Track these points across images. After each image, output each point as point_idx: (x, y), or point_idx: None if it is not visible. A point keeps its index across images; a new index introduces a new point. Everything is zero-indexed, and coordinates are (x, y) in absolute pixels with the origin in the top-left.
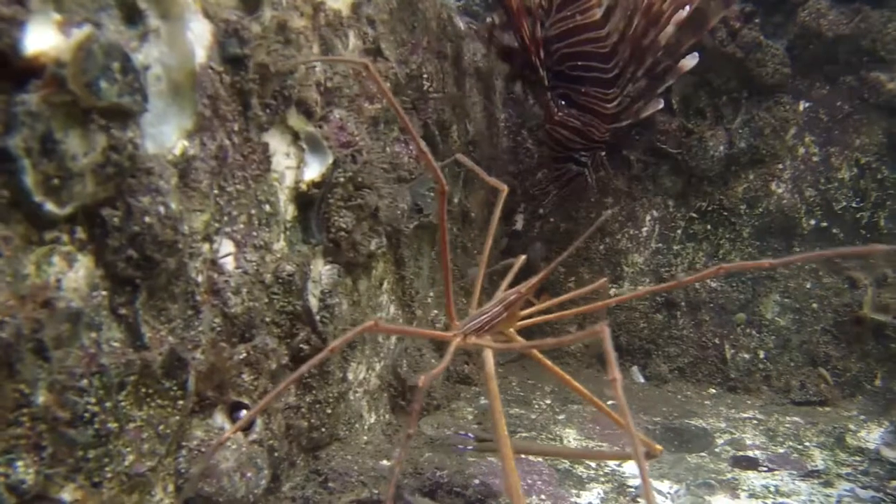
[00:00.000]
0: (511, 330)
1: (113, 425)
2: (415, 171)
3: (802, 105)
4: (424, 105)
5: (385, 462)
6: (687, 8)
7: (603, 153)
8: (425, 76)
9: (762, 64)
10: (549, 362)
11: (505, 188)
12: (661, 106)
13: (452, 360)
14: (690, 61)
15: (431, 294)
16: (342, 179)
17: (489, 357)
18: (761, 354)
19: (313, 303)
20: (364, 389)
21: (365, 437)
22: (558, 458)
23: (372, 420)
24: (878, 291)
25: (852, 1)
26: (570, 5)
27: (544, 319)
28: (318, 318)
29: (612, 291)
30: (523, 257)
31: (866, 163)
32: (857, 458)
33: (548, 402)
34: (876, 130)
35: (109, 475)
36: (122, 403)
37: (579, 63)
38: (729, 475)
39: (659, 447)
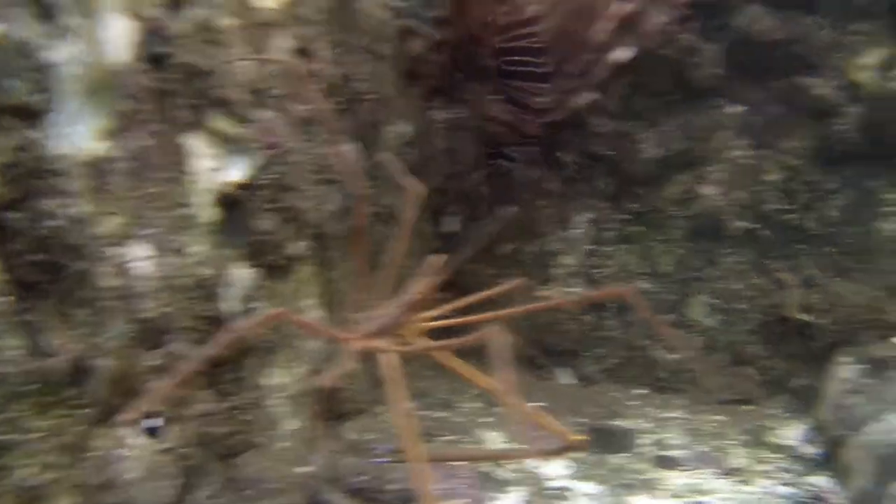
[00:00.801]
0: (416, 332)
1: (11, 437)
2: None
3: (735, 109)
4: (359, 106)
5: (305, 469)
6: (624, 4)
7: (536, 149)
8: (360, 77)
9: (697, 67)
10: (452, 363)
11: (421, 189)
12: (594, 97)
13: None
14: (622, 54)
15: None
16: (267, 181)
17: (391, 360)
18: (688, 354)
19: (234, 306)
20: (285, 395)
21: (286, 444)
22: (475, 461)
23: (294, 426)
24: (803, 292)
25: (786, 8)
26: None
27: (454, 323)
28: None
29: (547, 293)
30: (444, 257)
31: (795, 166)
32: (778, 456)
33: (474, 404)
34: (805, 134)
35: (6, 489)
36: (23, 413)
37: (515, 58)
38: (650, 475)
39: (581, 437)
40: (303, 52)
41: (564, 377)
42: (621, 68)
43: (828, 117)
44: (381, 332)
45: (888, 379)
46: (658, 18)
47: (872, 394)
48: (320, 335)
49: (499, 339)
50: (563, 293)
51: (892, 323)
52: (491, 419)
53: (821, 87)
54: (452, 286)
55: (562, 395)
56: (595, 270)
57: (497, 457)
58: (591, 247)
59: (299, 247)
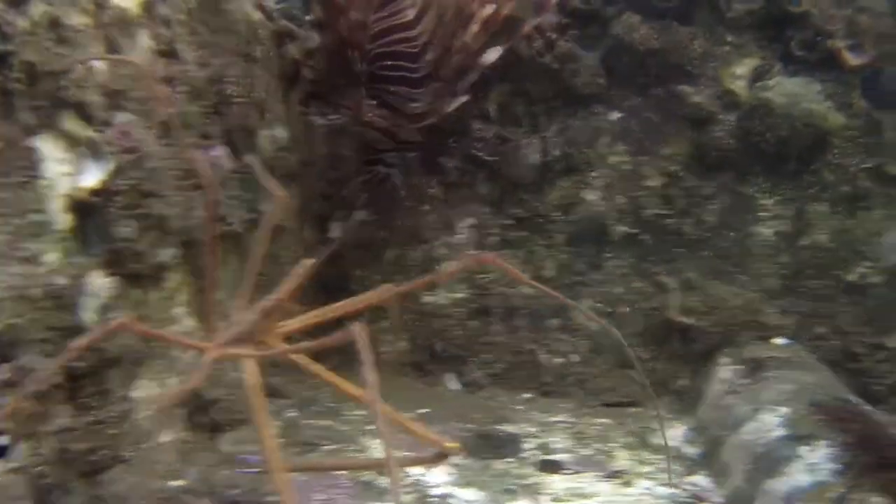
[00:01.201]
0: (278, 339)
1: None
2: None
3: (615, 115)
4: (228, 110)
5: (177, 482)
6: (492, 6)
7: (412, 154)
8: (229, 80)
9: (576, 74)
10: (314, 367)
11: (284, 195)
12: (465, 100)
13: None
14: (492, 55)
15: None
16: (125, 187)
17: (251, 368)
18: (574, 358)
19: (90, 317)
20: (156, 407)
21: (157, 457)
22: (343, 470)
23: (166, 439)
24: (683, 295)
25: (662, 17)
26: (386, 6)
27: (308, 325)
28: None
29: (426, 299)
30: (310, 261)
31: (674, 172)
32: (660, 457)
33: (360, 412)
34: (683, 141)
35: None
36: None
37: (390, 63)
38: (533, 479)
39: (454, 444)
40: (164, 53)
41: (452, 383)
42: (499, 72)
43: (704, 125)
44: (240, 340)
45: (764, 379)
46: (529, 21)
47: (749, 394)
48: (173, 345)
49: (361, 336)
50: (449, 298)
51: (768, 324)
52: (374, 427)
53: (697, 95)
54: (337, 292)
55: (448, 401)
56: (479, 276)
57: (368, 466)
58: (474, 252)
59: (166, 254)
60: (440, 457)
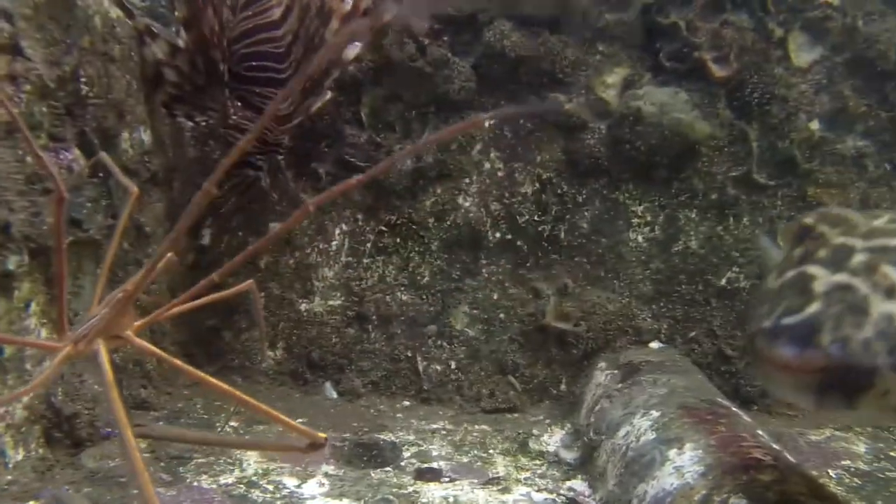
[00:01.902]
0: (129, 332)
1: None
2: (66, 181)
3: (488, 122)
4: (82, 111)
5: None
6: (350, 1)
7: (280, 157)
8: (83, 79)
9: (449, 80)
10: (178, 362)
11: (135, 190)
12: (330, 97)
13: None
14: (352, 51)
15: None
16: None
17: (104, 361)
18: (452, 365)
19: None
20: (6, 423)
21: (9, 477)
22: (206, 445)
23: (19, 457)
24: (559, 301)
25: (533, 26)
26: (251, 5)
27: (162, 316)
28: None
29: (302, 307)
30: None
31: (547, 178)
32: (537, 462)
33: (232, 423)
34: (555, 148)
35: None
36: None
37: (255, 63)
38: (410, 488)
39: (324, 435)
40: (5, 50)
41: (329, 391)
42: (371, 76)
43: (576, 132)
44: (93, 336)
45: (638, 383)
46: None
47: (623, 398)
48: (26, 346)
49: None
50: (324, 305)
51: (643, 329)
52: (247, 438)
53: (569, 102)
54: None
55: (326, 410)
56: (354, 283)
57: (235, 445)
58: (348, 259)
59: (12, 262)
60: (310, 447)
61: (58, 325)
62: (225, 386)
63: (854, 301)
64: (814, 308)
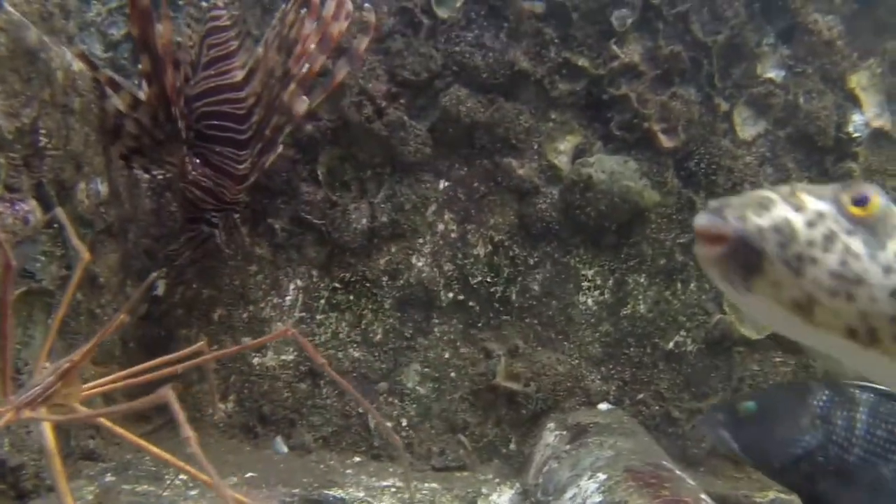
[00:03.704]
0: (77, 400)
1: None
2: (20, 232)
3: (442, 184)
4: (39, 162)
5: None
6: (306, 66)
7: (237, 215)
8: (42, 131)
9: (405, 143)
10: (119, 429)
11: (86, 255)
12: (280, 151)
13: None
14: (300, 106)
15: (47, 364)
16: None
17: (47, 431)
18: (403, 422)
19: None
20: None
21: None
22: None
23: None
24: (510, 361)
25: (488, 92)
26: (214, 64)
27: (111, 388)
28: None
29: (255, 361)
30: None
31: (499, 241)
32: None
33: (183, 476)
34: (508, 211)
35: None
36: None
37: (216, 122)
38: None
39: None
40: None
41: (280, 446)
42: (328, 136)
43: (529, 196)
44: (36, 401)
45: (586, 445)
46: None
47: (571, 460)
48: None
49: (170, 398)
50: (277, 360)
51: (592, 390)
52: (195, 492)
53: (522, 168)
54: (160, 353)
55: (276, 465)
56: (307, 338)
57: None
58: (302, 314)
59: None
60: None
61: (2, 388)
62: (167, 455)
63: (765, 202)
64: (735, 198)
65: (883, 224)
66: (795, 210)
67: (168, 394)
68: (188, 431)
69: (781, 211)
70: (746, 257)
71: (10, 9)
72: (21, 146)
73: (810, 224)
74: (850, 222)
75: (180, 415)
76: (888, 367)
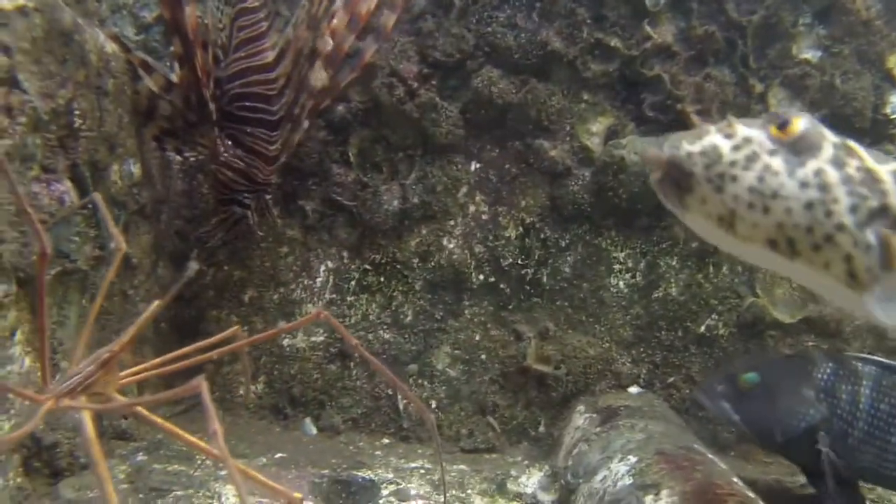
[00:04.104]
0: (115, 388)
1: None
2: (57, 213)
3: (473, 166)
4: (74, 143)
5: None
6: (329, 42)
7: (268, 196)
8: (76, 112)
9: (437, 124)
10: (156, 418)
11: (123, 247)
12: (306, 127)
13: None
14: (319, 78)
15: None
16: None
17: (86, 420)
18: (433, 404)
19: None
20: None
21: None
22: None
23: None
24: (540, 343)
25: (520, 73)
26: (245, 46)
27: (147, 376)
28: None
29: (285, 342)
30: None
31: (531, 223)
32: (515, 503)
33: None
34: (540, 193)
35: None
36: None
37: (248, 104)
38: None
39: (298, 495)
40: (3, 83)
41: (309, 427)
42: (360, 117)
43: (560, 178)
44: (76, 391)
45: (616, 427)
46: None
47: (601, 442)
48: (8, 392)
49: (202, 388)
50: (307, 342)
51: (622, 373)
52: (225, 472)
53: (554, 149)
54: (191, 334)
55: (306, 446)
56: (337, 320)
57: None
58: (332, 296)
59: (0, 291)
60: None
61: (42, 373)
62: (200, 443)
63: (701, 132)
64: (679, 132)
65: (806, 144)
66: (725, 137)
67: (201, 384)
68: (215, 425)
69: (712, 138)
70: (679, 179)
71: None
72: (56, 127)
73: (736, 147)
74: (774, 143)
75: (210, 408)
76: (819, 279)
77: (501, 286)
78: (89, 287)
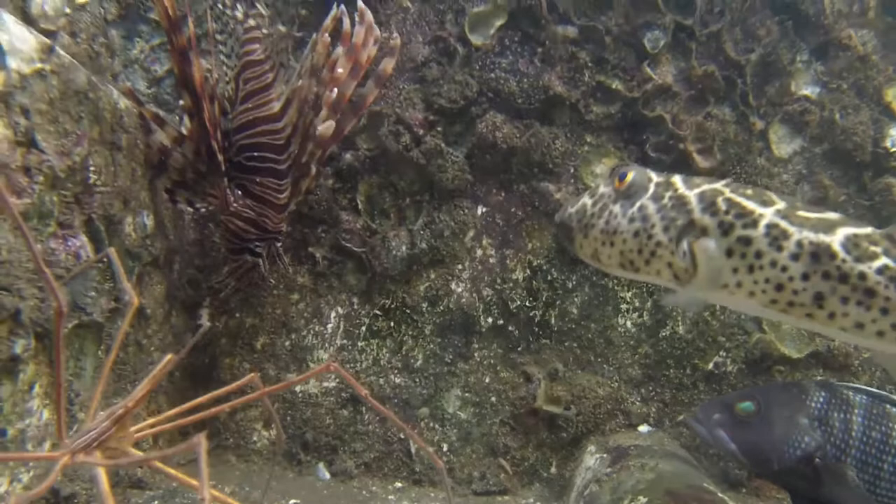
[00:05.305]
0: (129, 443)
1: None
2: (73, 268)
3: (480, 209)
4: (90, 199)
5: None
6: (335, 90)
7: (279, 244)
8: (91, 168)
9: (443, 170)
10: (169, 469)
11: (135, 301)
12: (313, 173)
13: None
14: (327, 130)
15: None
16: None
17: (100, 476)
18: (444, 447)
19: None
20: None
21: None
22: None
23: None
24: (550, 385)
25: (524, 117)
26: (252, 97)
27: (160, 430)
28: None
29: (297, 388)
30: (169, 356)
31: (538, 265)
32: None
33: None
34: (546, 236)
35: None
36: None
37: (256, 154)
38: None
39: None
40: (21, 144)
41: (322, 472)
42: (367, 165)
43: None
44: (91, 446)
45: (627, 468)
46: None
47: (612, 483)
48: (25, 460)
49: (200, 448)
50: (319, 387)
51: (632, 412)
52: None
53: (559, 192)
54: (205, 381)
55: (319, 491)
56: (348, 365)
57: None
58: (343, 342)
59: (19, 346)
60: None
61: (57, 429)
62: (215, 492)
63: (579, 196)
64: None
65: (634, 189)
66: (590, 196)
67: (201, 443)
68: (204, 492)
69: (583, 198)
70: (566, 232)
71: (61, 52)
72: (72, 184)
73: (594, 203)
74: (616, 194)
75: (205, 470)
76: (656, 282)
77: (510, 328)
78: (105, 338)
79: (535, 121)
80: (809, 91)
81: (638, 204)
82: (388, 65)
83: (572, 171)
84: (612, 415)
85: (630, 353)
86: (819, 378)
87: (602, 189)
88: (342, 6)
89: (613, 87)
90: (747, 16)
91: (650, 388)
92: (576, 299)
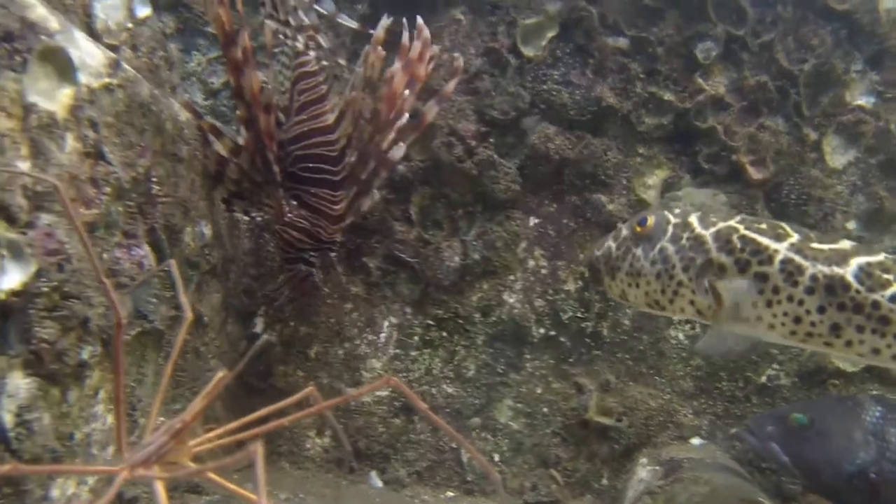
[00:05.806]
0: (187, 456)
1: None
2: (137, 276)
3: (532, 221)
4: (152, 209)
5: None
6: (406, 116)
7: (333, 254)
8: (154, 179)
9: (495, 181)
10: (230, 484)
11: (189, 316)
12: (377, 198)
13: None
14: (398, 152)
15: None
16: (46, 289)
17: (159, 490)
18: (496, 457)
19: (7, 419)
20: None
21: None
22: None
23: None
24: (601, 396)
25: (576, 129)
26: (306, 109)
27: (221, 443)
28: (12, 434)
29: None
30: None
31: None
32: None
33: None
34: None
35: None
36: None
37: (310, 165)
38: None
39: None
40: (90, 156)
41: (375, 480)
42: (420, 176)
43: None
44: (150, 460)
45: (679, 481)
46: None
47: (665, 496)
48: (86, 474)
49: (257, 457)
50: (372, 396)
51: (684, 424)
52: None
53: (611, 203)
54: (259, 390)
55: (372, 499)
56: (401, 374)
57: None
58: (396, 351)
59: (87, 353)
60: None
61: (118, 442)
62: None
63: (605, 239)
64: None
65: (655, 232)
66: (614, 240)
67: (257, 452)
68: (262, 501)
69: (608, 241)
70: (595, 275)
71: (126, 66)
72: (136, 194)
73: (619, 246)
74: (638, 238)
75: (262, 479)
76: (683, 317)
77: (562, 339)
78: (164, 345)
79: (587, 132)
80: (864, 101)
81: (658, 246)
82: (450, 85)
83: (624, 182)
84: (663, 427)
85: (682, 365)
86: (874, 392)
87: (624, 232)
88: (402, 19)
89: (665, 98)
90: (800, 25)
91: (702, 401)
92: (628, 310)
